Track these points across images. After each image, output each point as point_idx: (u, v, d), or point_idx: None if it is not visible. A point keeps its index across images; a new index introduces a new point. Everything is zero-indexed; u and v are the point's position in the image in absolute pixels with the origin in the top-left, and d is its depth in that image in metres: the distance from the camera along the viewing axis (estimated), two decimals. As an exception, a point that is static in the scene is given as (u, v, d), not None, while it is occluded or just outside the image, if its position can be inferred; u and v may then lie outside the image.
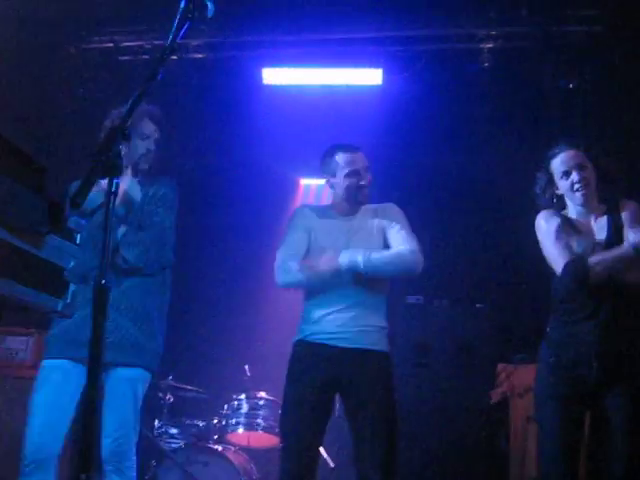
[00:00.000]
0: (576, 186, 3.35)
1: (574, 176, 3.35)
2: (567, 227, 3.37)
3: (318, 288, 3.42)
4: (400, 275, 3.50)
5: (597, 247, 3.30)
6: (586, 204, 3.38)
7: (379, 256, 3.37)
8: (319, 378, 3.32)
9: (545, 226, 3.41)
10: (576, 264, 3.23)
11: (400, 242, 3.44)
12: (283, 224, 6.67)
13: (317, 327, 3.40)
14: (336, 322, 3.37)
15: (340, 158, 3.55)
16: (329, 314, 3.39)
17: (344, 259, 3.31)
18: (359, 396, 3.31)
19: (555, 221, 3.40)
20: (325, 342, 3.36)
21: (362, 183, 3.53)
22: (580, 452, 3.25)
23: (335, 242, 3.46)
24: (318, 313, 3.41)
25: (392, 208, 3.61)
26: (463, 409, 4.99)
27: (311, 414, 3.31)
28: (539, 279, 3.51)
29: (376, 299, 3.45)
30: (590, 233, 3.35)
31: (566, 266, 3.25)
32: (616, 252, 3.21)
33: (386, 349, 3.43)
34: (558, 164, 3.40)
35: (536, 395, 3.37)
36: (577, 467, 3.25)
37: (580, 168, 3.35)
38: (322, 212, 3.63)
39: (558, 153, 3.41)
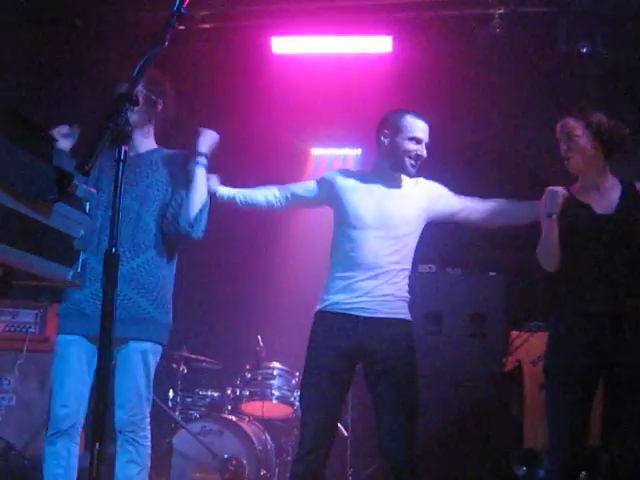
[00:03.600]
0: (565, 155, 3.33)
1: (563, 146, 3.33)
2: (567, 202, 3.36)
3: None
4: None
5: (601, 219, 3.28)
6: (578, 173, 3.36)
7: None
8: (340, 348, 3.33)
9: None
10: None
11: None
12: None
13: (338, 297, 3.40)
14: (357, 292, 3.36)
15: (412, 120, 3.50)
16: (351, 284, 3.38)
17: None
18: (381, 365, 3.33)
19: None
20: (346, 312, 3.36)
21: (421, 154, 3.50)
22: (589, 419, 3.25)
23: (374, 211, 3.45)
24: (340, 283, 3.41)
25: (435, 183, 3.64)
26: (476, 377, 4.98)
27: (332, 384, 3.33)
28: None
29: (398, 269, 3.43)
30: (588, 207, 3.33)
31: None
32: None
33: (408, 317, 3.44)
34: (557, 134, 3.38)
35: (546, 362, 3.36)
36: (586, 435, 3.25)
37: (569, 137, 3.31)
38: (362, 177, 3.61)
39: (558, 121, 3.38)
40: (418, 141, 3.48)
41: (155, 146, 3.41)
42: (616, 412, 3.22)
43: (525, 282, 5.70)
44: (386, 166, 3.55)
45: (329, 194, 3.56)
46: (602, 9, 5.45)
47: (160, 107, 3.35)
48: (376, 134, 3.59)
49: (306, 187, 3.63)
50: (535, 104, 5.82)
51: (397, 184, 3.54)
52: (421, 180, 3.60)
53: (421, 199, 3.50)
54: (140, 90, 3.24)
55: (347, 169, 3.77)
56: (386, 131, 3.53)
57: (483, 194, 6.15)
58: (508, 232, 6.06)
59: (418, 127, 3.50)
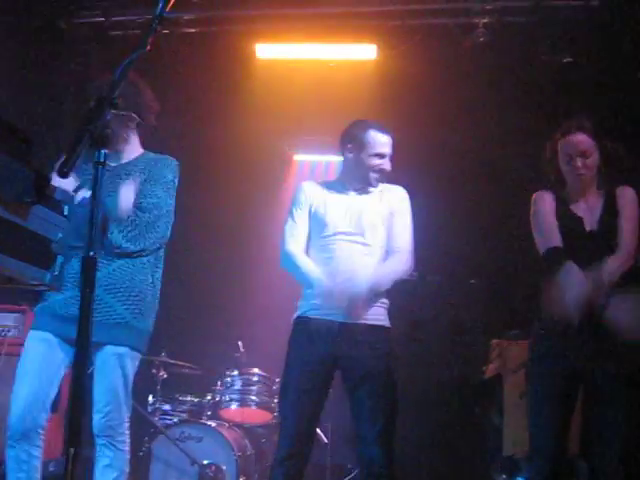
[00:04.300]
0: (575, 172, 3.34)
1: (576, 162, 3.33)
2: (559, 210, 3.38)
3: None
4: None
5: (588, 236, 3.31)
6: (583, 188, 3.39)
7: (384, 282, 3.40)
8: (318, 354, 3.33)
9: (536, 206, 3.46)
10: (554, 257, 3.26)
11: (398, 243, 3.48)
12: (277, 200, 6.72)
13: (316, 303, 3.39)
14: (334, 298, 3.34)
15: (375, 135, 3.51)
16: (327, 290, 3.36)
17: (362, 293, 3.31)
18: (359, 371, 3.33)
19: (546, 202, 3.41)
20: (324, 317, 3.36)
21: (385, 168, 3.51)
22: (570, 425, 3.26)
23: (345, 218, 3.47)
24: (316, 290, 3.39)
25: (401, 195, 3.60)
26: (456, 385, 5.00)
27: (310, 390, 3.33)
28: (534, 255, 3.51)
29: None
30: (580, 221, 3.35)
31: (545, 254, 3.29)
32: (593, 282, 3.17)
33: (386, 324, 3.45)
34: (564, 146, 3.38)
35: (528, 367, 3.38)
36: (567, 441, 3.27)
37: (584, 155, 3.33)
38: (331, 186, 3.62)
39: (567, 134, 3.37)
40: (382, 156, 3.51)
41: (140, 152, 3.38)
42: (595, 419, 3.24)
43: (505, 290, 5.73)
44: (351, 177, 3.58)
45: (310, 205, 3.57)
46: (583, 19, 5.50)
47: (133, 116, 3.29)
48: (340, 146, 3.61)
49: (304, 221, 3.57)
50: (518, 112, 5.86)
51: (364, 191, 3.57)
52: (387, 190, 3.59)
53: (384, 208, 3.52)
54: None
55: (317, 181, 3.75)
56: (350, 146, 3.55)
57: (464, 200, 6.22)
58: (489, 240, 6.13)
59: (381, 142, 3.51)
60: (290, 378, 3.39)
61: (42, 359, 3.07)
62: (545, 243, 3.34)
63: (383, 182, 3.57)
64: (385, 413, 3.31)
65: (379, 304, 3.43)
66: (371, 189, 3.56)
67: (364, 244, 3.44)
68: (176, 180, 3.33)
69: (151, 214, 3.16)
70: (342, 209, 3.50)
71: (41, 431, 3.04)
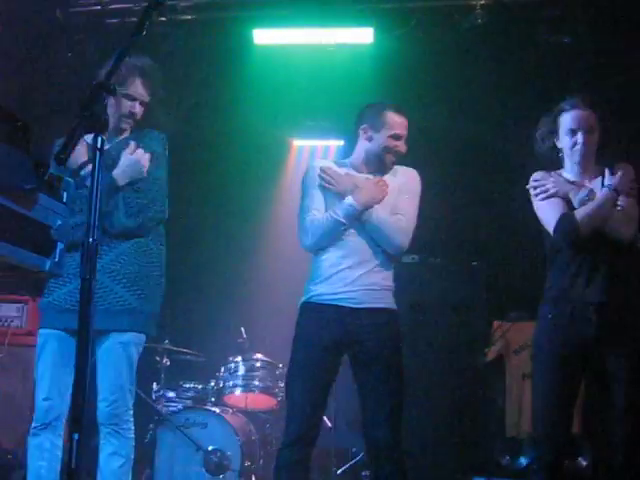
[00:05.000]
0: (578, 147, 3.33)
1: (579, 137, 3.32)
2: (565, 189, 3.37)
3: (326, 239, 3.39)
4: (384, 245, 3.40)
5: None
6: (582, 164, 3.37)
7: (384, 216, 3.36)
8: (326, 339, 3.33)
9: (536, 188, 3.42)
10: (566, 221, 3.24)
11: (403, 217, 3.41)
12: (277, 186, 6.73)
13: (323, 287, 3.38)
14: (343, 281, 3.35)
15: (392, 117, 3.47)
16: (335, 274, 3.37)
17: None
18: (366, 354, 3.33)
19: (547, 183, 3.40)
20: (332, 302, 3.35)
21: (400, 149, 3.48)
22: (574, 407, 3.27)
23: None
24: (324, 273, 3.40)
25: (412, 177, 3.56)
26: (459, 367, 5.01)
27: (318, 375, 3.34)
28: (536, 237, 3.51)
29: (382, 258, 3.42)
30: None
31: (558, 223, 3.26)
32: (595, 201, 3.24)
33: (393, 307, 3.44)
34: (568, 120, 3.36)
35: (534, 351, 3.38)
36: (571, 423, 3.28)
37: (588, 131, 3.33)
38: (344, 167, 3.57)
39: (570, 109, 3.36)
40: (398, 137, 3.47)
41: (128, 132, 3.38)
42: (600, 401, 3.25)
43: (507, 272, 5.73)
44: (365, 159, 3.53)
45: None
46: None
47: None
48: (355, 126, 3.56)
49: (321, 199, 3.49)
50: (517, 95, 5.83)
51: (378, 174, 3.52)
52: (400, 171, 3.56)
53: (394, 191, 3.47)
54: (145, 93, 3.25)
55: (326, 160, 3.71)
56: (366, 126, 3.50)
57: (464, 182, 6.22)
58: (491, 222, 6.13)
59: (398, 123, 3.47)
60: (297, 363, 3.38)
61: (55, 355, 3.12)
62: (552, 219, 3.31)
63: (393, 165, 3.53)
64: (393, 396, 3.32)
65: (385, 288, 3.43)
66: (385, 171, 3.54)
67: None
68: (166, 152, 3.34)
69: (148, 191, 3.17)
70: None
71: (64, 420, 3.10)
